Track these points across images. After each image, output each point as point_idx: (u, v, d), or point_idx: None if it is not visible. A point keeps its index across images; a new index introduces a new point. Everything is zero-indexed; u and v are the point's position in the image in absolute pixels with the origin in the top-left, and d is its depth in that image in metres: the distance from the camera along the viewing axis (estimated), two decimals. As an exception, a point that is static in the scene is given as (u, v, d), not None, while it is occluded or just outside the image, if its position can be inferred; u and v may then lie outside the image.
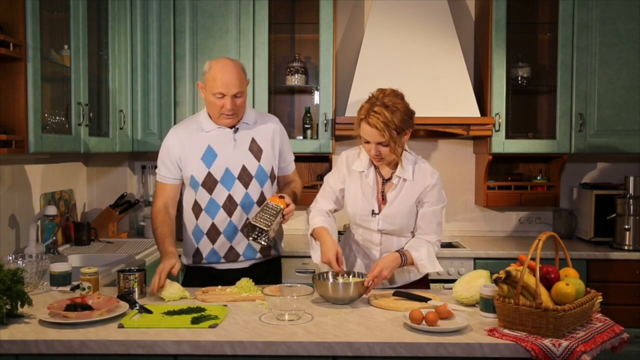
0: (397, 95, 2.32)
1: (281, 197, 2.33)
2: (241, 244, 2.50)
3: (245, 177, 2.46)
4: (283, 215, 2.31)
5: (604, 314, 2.04)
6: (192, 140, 2.46)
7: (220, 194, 2.45)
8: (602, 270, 3.38)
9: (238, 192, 2.46)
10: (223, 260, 2.50)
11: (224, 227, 2.47)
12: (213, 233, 2.47)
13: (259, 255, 2.53)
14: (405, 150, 2.40)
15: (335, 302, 2.16)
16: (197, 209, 2.48)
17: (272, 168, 2.54)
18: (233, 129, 2.47)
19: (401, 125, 2.27)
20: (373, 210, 2.41)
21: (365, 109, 2.28)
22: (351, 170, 2.46)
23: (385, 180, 2.43)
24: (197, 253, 2.51)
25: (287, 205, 2.32)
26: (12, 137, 2.35)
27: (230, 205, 2.45)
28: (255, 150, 2.49)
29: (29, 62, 2.38)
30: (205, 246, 2.49)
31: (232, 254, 2.49)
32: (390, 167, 2.43)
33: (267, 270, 2.57)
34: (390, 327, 1.90)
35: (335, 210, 2.55)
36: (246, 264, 2.53)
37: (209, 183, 2.44)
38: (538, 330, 1.79)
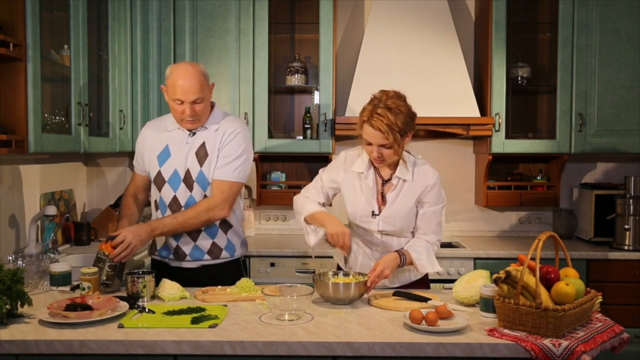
0: (400, 97, 2.31)
1: (109, 239, 2.27)
2: (187, 245, 2.50)
3: (189, 180, 2.48)
4: (113, 260, 2.25)
5: (604, 314, 2.04)
6: (154, 137, 2.55)
7: (167, 194, 2.50)
8: (602, 270, 3.38)
9: (183, 194, 2.48)
10: (172, 257, 2.53)
11: None
12: None
13: (206, 257, 2.52)
14: (405, 151, 2.40)
15: (336, 302, 2.16)
16: (155, 204, 2.57)
17: None
18: (190, 132, 2.50)
19: (404, 127, 2.27)
20: (373, 212, 2.41)
21: (368, 111, 2.27)
22: (349, 172, 2.46)
23: (385, 181, 2.43)
24: (153, 244, 2.61)
25: (114, 248, 2.25)
26: (12, 137, 2.35)
27: (175, 206, 2.48)
28: (202, 154, 2.48)
29: (29, 62, 2.38)
30: (159, 240, 2.57)
31: (179, 253, 2.51)
32: (390, 168, 2.43)
33: (224, 272, 2.50)
34: (390, 327, 1.90)
35: (323, 205, 2.54)
36: (194, 264, 2.52)
37: (159, 181, 2.51)
38: (538, 330, 1.79)
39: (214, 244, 2.52)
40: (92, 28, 2.99)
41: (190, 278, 2.44)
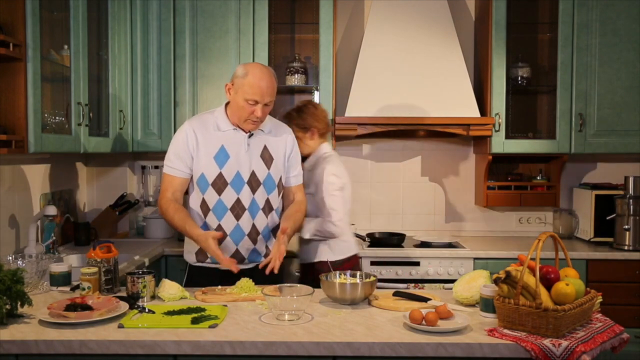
0: (313, 104, 2.93)
1: (97, 244, 2.32)
2: (247, 248, 2.49)
3: (253, 183, 2.47)
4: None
5: (604, 314, 2.04)
6: (206, 137, 2.47)
7: (229, 197, 2.45)
8: (602, 270, 3.38)
9: (246, 196, 2.46)
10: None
11: (231, 229, 2.47)
12: None
13: (263, 259, 2.50)
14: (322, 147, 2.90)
15: (343, 302, 2.16)
16: (204, 207, 2.48)
17: (281, 178, 2.57)
18: (248, 133, 2.48)
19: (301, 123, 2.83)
20: None
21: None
22: None
23: None
24: (201, 251, 2.50)
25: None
26: (12, 137, 2.35)
27: (238, 209, 2.46)
28: (267, 157, 2.51)
29: (29, 62, 2.38)
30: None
31: (237, 257, 2.48)
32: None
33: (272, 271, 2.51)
34: (390, 327, 1.90)
35: None
36: (250, 265, 2.52)
37: (219, 184, 2.45)
38: (538, 330, 1.79)
39: (267, 247, 2.54)
40: (92, 28, 2.99)
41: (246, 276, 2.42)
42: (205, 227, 2.48)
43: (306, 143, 2.87)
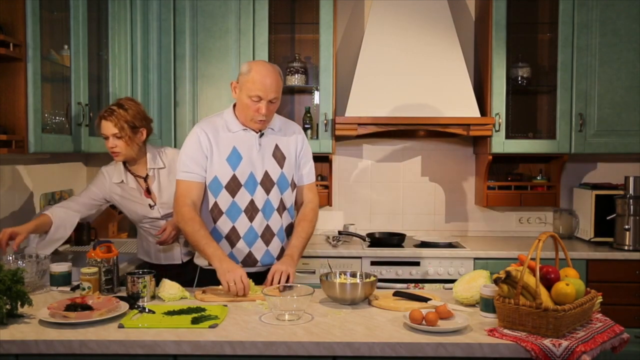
0: (132, 99, 2.76)
1: (97, 244, 2.32)
2: (260, 250, 2.46)
3: (267, 183, 2.44)
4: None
5: (604, 314, 2.04)
6: (217, 138, 2.42)
7: (243, 198, 2.42)
8: (602, 270, 3.38)
9: (260, 197, 2.43)
10: (240, 265, 2.44)
11: (245, 231, 2.43)
12: (233, 237, 2.43)
13: (276, 261, 2.47)
14: (148, 146, 2.81)
15: (343, 302, 2.16)
16: (216, 211, 2.43)
17: (293, 176, 2.53)
18: (259, 133, 2.45)
19: (133, 120, 2.65)
20: (150, 204, 2.78)
21: (104, 109, 2.69)
22: (114, 185, 2.80)
23: (146, 177, 2.79)
24: None
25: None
26: (12, 137, 2.35)
27: (252, 210, 2.43)
28: (279, 156, 2.48)
29: (29, 62, 2.38)
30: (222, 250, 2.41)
31: (250, 260, 2.45)
32: (142, 165, 2.78)
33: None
34: (390, 327, 1.90)
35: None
36: (262, 269, 2.49)
37: (233, 186, 2.41)
38: (538, 330, 1.79)
39: (282, 249, 2.50)
40: (92, 28, 2.99)
41: (256, 282, 2.37)
42: (217, 231, 2.43)
43: (138, 144, 2.72)
